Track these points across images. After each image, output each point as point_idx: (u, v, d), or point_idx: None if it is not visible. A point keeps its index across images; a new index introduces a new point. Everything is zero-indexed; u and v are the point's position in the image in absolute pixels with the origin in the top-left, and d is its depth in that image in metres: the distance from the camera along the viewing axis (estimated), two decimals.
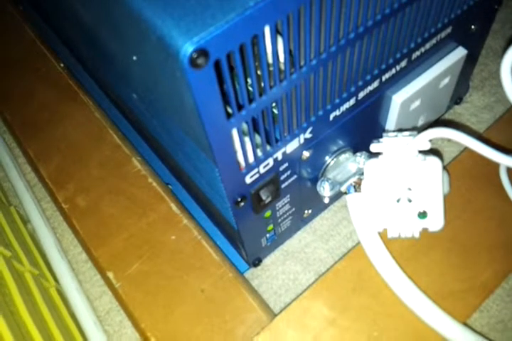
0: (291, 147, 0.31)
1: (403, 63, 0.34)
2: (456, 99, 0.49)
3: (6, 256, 0.42)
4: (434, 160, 0.33)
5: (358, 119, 0.35)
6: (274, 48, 0.23)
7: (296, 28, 0.23)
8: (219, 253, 0.41)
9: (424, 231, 0.34)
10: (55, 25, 0.51)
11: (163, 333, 0.38)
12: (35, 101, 0.53)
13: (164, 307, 0.39)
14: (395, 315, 0.36)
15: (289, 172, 0.34)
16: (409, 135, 0.33)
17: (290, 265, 0.44)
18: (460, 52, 0.38)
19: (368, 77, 0.32)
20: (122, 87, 0.38)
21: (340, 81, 0.30)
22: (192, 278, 0.40)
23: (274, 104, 0.27)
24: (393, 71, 0.33)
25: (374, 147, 0.33)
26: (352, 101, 0.32)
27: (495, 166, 0.41)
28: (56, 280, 0.47)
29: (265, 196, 0.33)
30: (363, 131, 0.37)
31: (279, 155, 0.31)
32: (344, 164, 0.37)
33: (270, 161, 0.30)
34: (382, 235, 0.35)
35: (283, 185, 0.34)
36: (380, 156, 0.33)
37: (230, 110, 0.25)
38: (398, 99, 0.35)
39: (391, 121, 0.38)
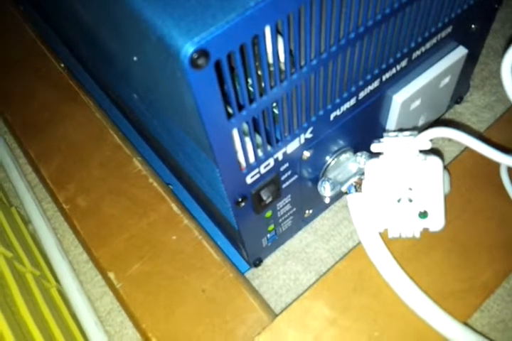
0: (291, 147, 0.31)
1: (403, 63, 0.34)
2: (457, 98, 0.49)
3: (7, 256, 0.42)
4: (434, 160, 0.33)
5: (358, 119, 0.35)
6: (275, 48, 0.23)
7: (297, 28, 0.23)
8: (220, 254, 0.41)
9: (425, 231, 0.34)
10: (55, 25, 0.51)
11: (164, 333, 0.38)
12: (36, 102, 0.53)
13: (165, 308, 0.39)
14: (395, 315, 0.36)
15: (289, 173, 0.34)
16: (410, 135, 0.33)
17: (291, 265, 0.44)
18: (460, 52, 0.38)
19: (369, 77, 0.32)
20: (123, 87, 0.38)
21: (341, 81, 0.30)
22: (193, 278, 0.40)
23: (274, 104, 0.27)
24: (393, 71, 0.33)
25: (375, 147, 0.33)
26: (352, 101, 0.32)
27: (495, 166, 0.41)
28: (57, 280, 0.47)
29: (266, 196, 0.33)
30: (363, 130, 0.37)
31: (279, 155, 0.31)
32: (345, 164, 0.37)
33: (271, 161, 0.30)
34: (383, 235, 0.35)
35: (284, 185, 0.34)
36: (380, 156, 0.33)
37: (230, 110, 0.25)
38: (399, 99, 0.35)
39: (391, 120, 0.38)
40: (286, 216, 0.39)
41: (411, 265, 0.37)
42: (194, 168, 0.34)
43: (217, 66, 0.21)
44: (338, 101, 0.31)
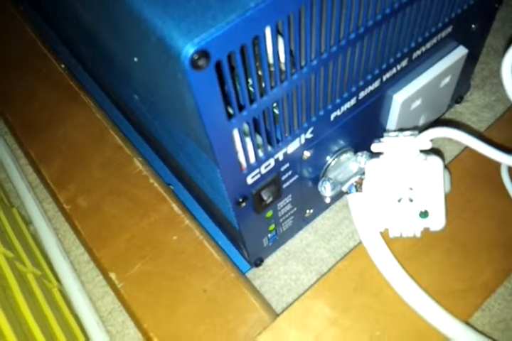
0: (292, 147, 0.31)
1: (404, 63, 0.34)
2: (457, 98, 0.49)
3: (8, 257, 0.42)
4: (435, 160, 0.33)
5: (358, 119, 0.35)
6: (275, 49, 0.23)
7: (297, 28, 0.23)
8: (221, 254, 0.41)
9: (425, 230, 0.34)
10: (55, 25, 0.51)
11: (166, 333, 0.38)
12: (36, 102, 0.53)
13: (167, 308, 0.39)
14: (397, 315, 0.36)
15: (290, 173, 0.34)
16: (410, 134, 0.33)
17: (292, 265, 0.44)
18: (461, 52, 0.38)
19: (369, 77, 0.32)
20: (123, 87, 0.38)
21: (341, 81, 0.30)
22: (194, 278, 0.40)
23: (275, 105, 0.27)
24: (394, 70, 0.33)
25: (375, 147, 0.33)
26: (353, 101, 0.32)
27: (496, 165, 0.41)
28: (58, 280, 0.47)
29: (266, 196, 0.33)
30: (363, 130, 0.37)
31: (280, 155, 0.31)
32: (345, 164, 0.37)
33: (271, 161, 0.31)
34: (384, 235, 0.35)
35: (284, 185, 0.34)
36: (381, 156, 0.33)
37: (230, 111, 0.25)
38: (399, 99, 0.35)
39: (392, 120, 0.38)
40: (286, 216, 0.39)
41: (411, 264, 0.37)
42: (195, 169, 0.34)
43: (218, 66, 0.21)
44: (338, 101, 0.31)
